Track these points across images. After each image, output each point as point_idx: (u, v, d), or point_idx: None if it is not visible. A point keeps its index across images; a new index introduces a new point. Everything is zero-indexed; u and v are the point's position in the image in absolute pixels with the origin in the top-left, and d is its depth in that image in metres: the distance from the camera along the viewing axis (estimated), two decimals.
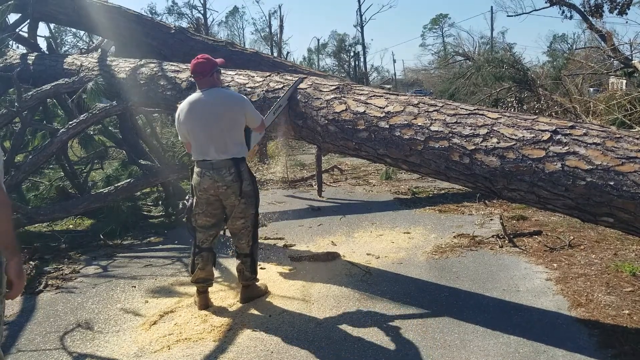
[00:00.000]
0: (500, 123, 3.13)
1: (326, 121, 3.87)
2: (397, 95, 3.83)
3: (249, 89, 4.48)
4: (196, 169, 3.45)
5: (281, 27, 30.03)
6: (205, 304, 3.58)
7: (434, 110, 3.42)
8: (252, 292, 3.70)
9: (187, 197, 5.89)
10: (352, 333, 3.13)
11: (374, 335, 3.10)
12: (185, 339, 3.14)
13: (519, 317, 3.28)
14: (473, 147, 3.12)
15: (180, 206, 5.94)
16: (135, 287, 4.06)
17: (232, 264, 4.45)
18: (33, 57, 7.13)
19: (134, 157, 6.18)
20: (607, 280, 3.76)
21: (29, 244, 5.06)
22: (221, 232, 3.74)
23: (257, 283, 3.77)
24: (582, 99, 10.08)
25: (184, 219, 3.85)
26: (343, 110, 3.79)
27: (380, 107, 3.64)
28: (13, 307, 3.67)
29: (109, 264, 4.65)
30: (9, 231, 1.85)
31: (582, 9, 12.80)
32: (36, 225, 5.53)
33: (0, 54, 7.17)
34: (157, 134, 7.46)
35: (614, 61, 11.02)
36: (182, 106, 3.45)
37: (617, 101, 8.58)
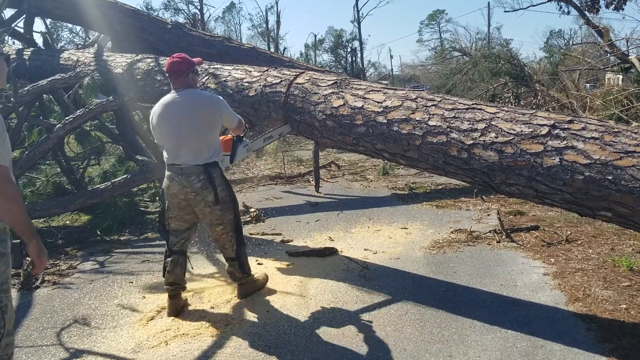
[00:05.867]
0: (499, 117, 3.13)
1: (324, 116, 3.86)
2: (395, 90, 3.82)
3: (246, 84, 4.46)
4: (166, 173, 3.32)
5: (278, 22, 29.99)
6: (174, 309, 3.40)
7: (432, 105, 3.41)
8: (249, 287, 3.66)
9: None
10: (349, 328, 3.13)
11: (372, 330, 3.10)
12: (183, 334, 3.14)
13: (516, 311, 3.28)
14: (471, 142, 3.12)
15: None
16: (132, 282, 4.05)
17: None
18: (29, 53, 7.10)
19: (131, 152, 6.16)
20: (604, 275, 3.76)
21: None
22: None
23: (254, 276, 3.73)
24: (579, 94, 10.09)
25: (156, 222, 3.75)
26: (341, 105, 3.78)
27: (378, 102, 3.63)
28: None
29: (106, 259, 4.64)
30: (24, 219, 2.08)
31: (579, 4, 12.80)
32: (33, 221, 5.50)
33: None
34: None
35: (611, 57, 11.03)
36: (155, 108, 3.31)
37: (614, 97, 8.59)
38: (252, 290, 3.67)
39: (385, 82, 32.95)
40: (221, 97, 3.49)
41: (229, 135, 3.62)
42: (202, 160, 3.21)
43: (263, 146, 4.16)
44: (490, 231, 4.92)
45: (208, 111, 3.26)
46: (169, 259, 3.42)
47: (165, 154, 3.32)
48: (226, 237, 3.42)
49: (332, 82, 4.01)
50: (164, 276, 3.45)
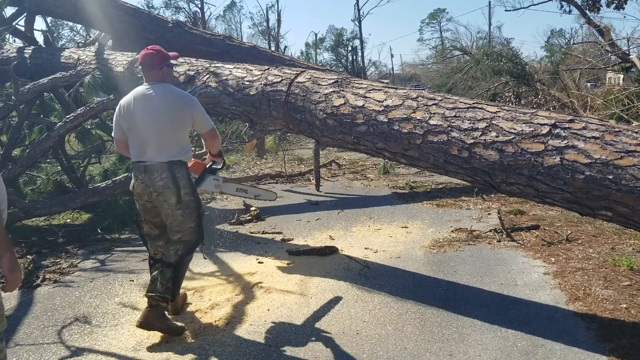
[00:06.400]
0: (499, 117, 3.13)
1: (325, 115, 3.86)
2: (396, 89, 3.82)
3: (247, 83, 4.46)
4: (133, 172, 3.17)
5: (279, 21, 30.01)
6: (174, 308, 3.34)
7: (433, 104, 3.41)
8: (155, 317, 3.01)
9: None
10: (350, 327, 3.14)
11: (372, 329, 3.10)
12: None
13: (516, 311, 3.28)
14: (472, 141, 3.12)
15: None
16: (133, 281, 4.06)
17: (229, 258, 4.47)
18: (30, 51, 7.10)
19: None
20: (604, 274, 3.76)
21: (27, 238, 5.05)
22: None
23: (170, 317, 3.18)
24: (580, 93, 10.10)
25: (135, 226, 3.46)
26: (342, 104, 3.78)
27: (379, 101, 3.63)
28: (11, 301, 3.66)
29: (107, 258, 4.65)
30: (1, 230, 1.84)
31: (580, 3, 12.79)
32: (33, 219, 5.52)
33: None
34: None
35: (612, 56, 11.03)
36: (124, 99, 3.16)
37: (614, 96, 8.59)
38: (154, 323, 3.00)
39: (386, 81, 32.89)
40: (196, 99, 3.34)
41: (205, 161, 3.59)
42: (166, 157, 3.02)
43: (233, 194, 4.18)
44: (490, 230, 4.93)
45: (179, 109, 3.09)
46: (154, 270, 3.18)
47: (130, 151, 3.15)
48: (180, 245, 3.14)
49: (333, 80, 4.01)
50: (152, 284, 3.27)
